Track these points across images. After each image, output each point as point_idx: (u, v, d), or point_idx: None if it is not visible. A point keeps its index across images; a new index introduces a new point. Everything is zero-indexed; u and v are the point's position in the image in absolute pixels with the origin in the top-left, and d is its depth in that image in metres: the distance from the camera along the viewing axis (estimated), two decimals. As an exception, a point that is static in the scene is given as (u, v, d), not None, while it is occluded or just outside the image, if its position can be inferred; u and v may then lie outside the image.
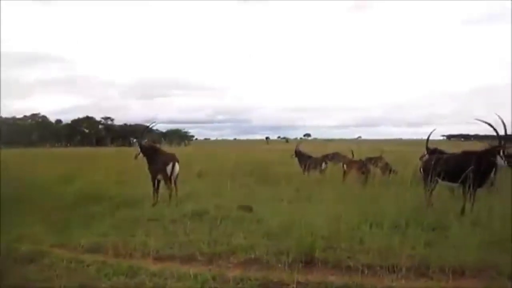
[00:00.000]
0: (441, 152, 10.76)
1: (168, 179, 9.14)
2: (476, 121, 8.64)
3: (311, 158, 14.65)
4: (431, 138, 11.01)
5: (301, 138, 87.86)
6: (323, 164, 14.20)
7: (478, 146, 11.74)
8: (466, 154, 8.75)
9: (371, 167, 14.23)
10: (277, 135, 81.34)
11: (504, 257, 4.85)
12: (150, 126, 11.35)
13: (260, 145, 52.48)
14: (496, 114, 8.33)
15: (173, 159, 9.32)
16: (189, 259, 5.53)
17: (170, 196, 9.10)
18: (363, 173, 13.27)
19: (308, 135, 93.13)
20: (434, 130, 11.99)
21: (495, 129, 8.24)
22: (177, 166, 9.27)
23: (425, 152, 11.03)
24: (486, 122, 8.34)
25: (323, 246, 5.53)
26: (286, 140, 65.55)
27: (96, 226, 7.17)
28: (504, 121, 8.13)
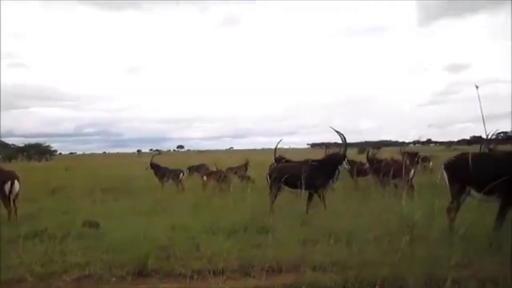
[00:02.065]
0: (287, 160, 11.75)
1: (6, 198, 8.50)
2: (333, 130, 9.44)
3: (168, 170, 14.76)
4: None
5: (174, 150, 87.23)
6: (181, 176, 14.41)
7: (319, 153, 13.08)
8: (307, 162, 9.68)
9: (232, 176, 14.93)
10: (150, 148, 79.23)
11: (319, 251, 5.52)
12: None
13: (130, 159, 50.83)
14: (331, 127, 9.42)
15: (11, 177, 8.69)
16: (17, 281, 5.24)
17: (9, 216, 8.48)
18: (222, 182, 13.88)
19: (181, 146, 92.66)
20: (281, 140, 12.98)
21: (342, 138, 9.31)
22: (16, 184, 8.67)
23: (274, 161, 11.96)
24: (336, 131, 9.33)
25: (160, 256, 5.68)
26: (159, 152, 64.16)
27: None
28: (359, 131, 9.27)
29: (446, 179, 6.64)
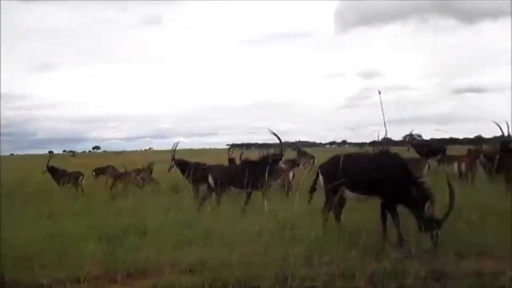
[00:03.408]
0: (185, 162, 11.79)
1: None
2: (257, 131, 9.72)
3: (66, 173, 14.16)
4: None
5: (90, 151, 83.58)
6: (80, 178, 13.90)
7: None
8: (247, 162, 9.82)
9: (138, 178, 14.65)
10: (63, 149, 74.16)
11: (190, 253, 5.53)
12: None
13: (39, 160, 47.65)
14: (269, 129, 9.69)
15: None
16: None
17: None
18: (125, 184, 13.68)
19: (98, 147, 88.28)
20: (178, 142, 13.15)
21: (279, 138, 9.63)
22: None
23: (172, 163, 11.95)
24: (273, 133, 9.61)
25: (24, 266, 5.37)
26: (73, 154, 60.96)
27: None
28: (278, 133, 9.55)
29: (322, 180, 6.94)
